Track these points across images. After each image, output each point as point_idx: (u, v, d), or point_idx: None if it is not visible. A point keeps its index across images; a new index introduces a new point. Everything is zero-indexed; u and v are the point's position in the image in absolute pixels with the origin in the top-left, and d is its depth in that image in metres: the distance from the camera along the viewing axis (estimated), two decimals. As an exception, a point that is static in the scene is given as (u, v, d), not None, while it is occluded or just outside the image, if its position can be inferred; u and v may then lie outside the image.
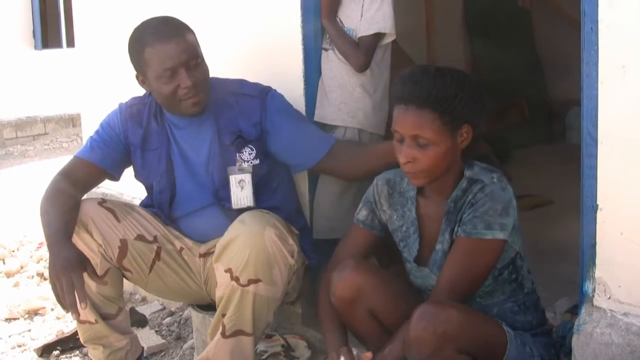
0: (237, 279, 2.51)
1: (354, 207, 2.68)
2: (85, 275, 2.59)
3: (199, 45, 2.76)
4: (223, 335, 2.59)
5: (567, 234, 2.31)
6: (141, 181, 2.97)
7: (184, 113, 2.76)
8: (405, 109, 2.17)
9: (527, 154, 5.58)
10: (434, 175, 2.21)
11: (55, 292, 2.56)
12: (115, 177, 2.97)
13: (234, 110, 2.82)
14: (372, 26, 2.89)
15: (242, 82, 2.90)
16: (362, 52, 2.89)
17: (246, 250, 2.50)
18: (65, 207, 2.70)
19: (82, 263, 2.60)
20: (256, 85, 2.88)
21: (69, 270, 2.53)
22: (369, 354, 2.25)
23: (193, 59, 2.68)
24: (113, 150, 2.90)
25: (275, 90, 2.88)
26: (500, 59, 5.74)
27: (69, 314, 2.67)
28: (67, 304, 2.53)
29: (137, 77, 2.78)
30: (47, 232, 2.65)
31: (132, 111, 2.91)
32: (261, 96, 2.83)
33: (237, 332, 2.59)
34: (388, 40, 2.96)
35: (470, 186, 2.23)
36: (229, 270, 2.52)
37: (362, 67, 2.91)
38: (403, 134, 2.18)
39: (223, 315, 2.58)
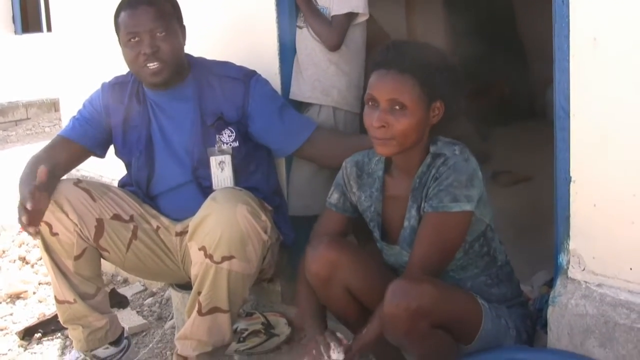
0: (210, 257, 2.51)
1: (327, 185, 2.71)
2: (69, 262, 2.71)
3: (177, 19, 2.80)
4: (199, 313, 2.60)
5: (547, 209, 2.33)
6: (121, 158, 2.99)
7: (146, 82, 2.81)
8: (385, 73, 2.18)
9: (508, 132, 5.59)
10: (404, 144, 2.20)
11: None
12: (98, 154, 3.00)
13: (217, 92, 2.83)
14: (344, 5, 2.90)
15: (227, 65, 2.91)
16: (335, 30, 2.90)
17: (219, 227, 2.50)
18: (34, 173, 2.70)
19: (28, 185, 2.61)
20: (241, 69, 2.89)
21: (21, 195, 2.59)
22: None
23: (158, 28, 2.71)
24: (94, 128, 2.93)
25: (259, 75, 2.89)
26: (481, 39, 5.73)
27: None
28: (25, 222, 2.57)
29: (119, 41, 2.81)
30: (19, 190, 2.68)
31: (114, 89, 2.94)
32: (245, 80, 2.84)
33: (214, 310, 2.59)
34: (361, 19, 2.96)
35: (433, 161, 2.24)
36: (202, 248, 2.53)
37: (334, 45, 2.91)
38: (379, 98, 2.18)
39: (199, 293, 2.59)
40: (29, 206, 2.54)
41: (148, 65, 2.72)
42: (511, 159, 4.86)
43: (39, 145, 2.94)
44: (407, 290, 2.05)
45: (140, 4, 2.71)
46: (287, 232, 2.89)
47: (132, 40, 2.71)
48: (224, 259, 2.51)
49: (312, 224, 2.91)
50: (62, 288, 2.78)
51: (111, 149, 3.01)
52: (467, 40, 5.81)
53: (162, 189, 2.90)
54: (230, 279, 2.54)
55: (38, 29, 11.71)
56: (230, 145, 2.83)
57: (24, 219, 2.59)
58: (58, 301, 2.83)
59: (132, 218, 2.86)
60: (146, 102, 2.89)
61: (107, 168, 3.38)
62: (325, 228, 2.48)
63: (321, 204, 2.77)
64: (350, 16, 2.92)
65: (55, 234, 2.72)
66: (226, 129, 2.83)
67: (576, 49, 2.11)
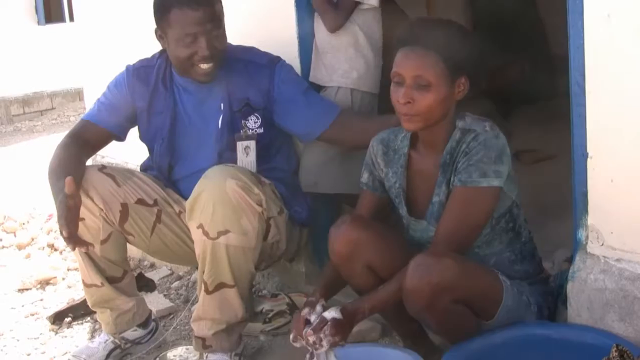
0: (207, 234, 2.56)
1: (336, 163, 2.79)
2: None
3: (224, 16, 2.82)
4: (206, 291, 2.64)
5: (569, 187, 2.35)
6: (144, 142, 3.03)
7: (193, 78, 2.82)
8: (410, 50, 2.21)
9: (530, 110, 5.56)
10: (429, 120, 2.23)
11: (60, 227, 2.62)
12: (121, 137, 3.04)
13: (244, 78, 2.87)
14: None
15: (252, 50, 2.95)
16: (341, 14, 2.93)
17: (210, 203, 2.54)
18: (71, 167, 2.75)
19: (61, 202, 2.61)
20: (266, 55, 2.92)
21: (59, 214, 2.59)
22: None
23: (216, 29, 2.74)
24: (119, 111, 2.96)
25: (284, 61, 2.92)
26: (500, 16, 5.70)
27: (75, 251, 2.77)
28: (64, 231, 2.59)
29: (155, 31, 2.83)
30: (54, 191, 2.70)
31: (139, 73, 2.97)
32: (270, 65, 2.88)
33: (219, 286, 2.63)
34: (369, 5, 2.97)
35: (463, 136, 2.25)
36: (200, 226, 2.57)
37: (335, 28, 2.95)
38: (404, 75, 2.20)
39: (203, 273, 2.63)
40: (65, 234, 2.58)
41: (202, 65, 2.75)
42: (534, 137, 4.85)
43: (64, 135, 2.99)
44: (430, 264, 2.08)
45: (202, 5, 2.70)
46: (299, 209, 2.92)
47: (188, 39, 2.71)
48: (220, 234, 2.55)
49: (332, 203, 2.96)
50: (90, 272, 2.84)
51: (133, 133, 3.05)
52: (487, 19, 5.79)
53: (185, 172, 2.93)
54: (229, 253, 2.58)
55: (60, 19, 11.78)
56: (256, 131, 2.87)
57: (69, 246, 2.68)
58: (86, 285, 2.89)
59: (156, 202, 2.90)
60: (173, 87, 2.93)
61: (132, 154, 3.42)
62: (361, 208, 2.51)
63: (328, 182, 2.86)
64: (357, 1, 2.94)
65: (81, 219, 2.75)
66: (252, 115, 2.87)
67: (590, 26, 2.12)
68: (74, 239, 2.61)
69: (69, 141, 2.90)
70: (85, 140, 2.92)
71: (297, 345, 2.24)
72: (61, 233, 2.60)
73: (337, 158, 2.94)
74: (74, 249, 2.74)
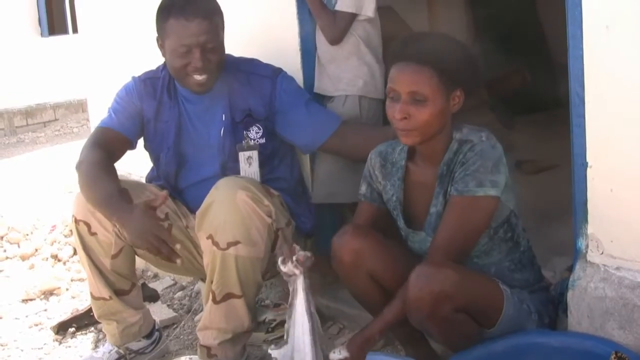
0: (217, 244, 2.58)
1: (350, 173, 2.78)
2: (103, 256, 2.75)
3: (223, 29, 2.83)
4: (214, 301, 2.66)
5: (570, 196, 2.36)
6: (149, 151, 3.05)
7: (189, 88, 2.84)
8: (405, 66, 2.22)
9: (532, 120, 5.57)
10: (426, 134, 2.24)
11: (149, 250, 2.61)
12: (134, 144, 3.04)
13: (246, 89, 2.89)
14: (350, 4, 2.94)
15: (254, 62, 2.97)
16: (338, 26, 2.95)
17: (221, 214, 2.57)
18: (108, 173, 2.76)
19: (151, 215, 2.60)
20: (268, 66, 2.95)
21: (147, 229, 2.57)
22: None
23: (210, 42, 2.74)
24: (132, 118, 2.97)
25: (286, 72, 2.94)
26: (501, 25, 5.72)
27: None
28: (166, 255, 2.59)
29: (157, 40, 2.85)
30: (100, 198, 2.68)
31: (145, 84, 2.99)
32: (273, 77, 2.90)
33: (227, 296, 2.65)
34: (365, 16, 2.99)
35: (460, 147, 2.27)
36: (210, 237, 2.59)
37: (335, 40, 2.98)
38: (400, 90, 2.22)
39: (212, 282, 2.65)
40: (165, 251, 2.58)
41: (195, 76, 2.76)
42: (535, 147, 4.86)
43: (67, 146, 3.01)
44: (431, 274, 2.10)
45: (197, 16, 2.71)
46: (305, 220, 2.96)
47: (182, 50, 2.73)
48: (230, 244, 2.57)
49: (338, 212, 2.97)
50: (99, 285, 2.86)
51: (136, 153, 3.06)
52: (489, 29, 5.81)
53: (189, 181, 2.96)
54: (238, 264, 2.60)
55: (64, 31, 11.84)
56: (257, 141, 2.89)
57: (170, 258, 2.64)
58: (94, 297, 2.91)
59: (167, 216, 2.90)
60: (177, 97, 2.95)
61: (135, 165, 3.44)
62: (360, 218, 2.53)
63: (344, 192, 2.84)
64: (355, 14, 2.96)
65: (93, 234, 2.79)
66: (254, 126, 2.89)
67: (589, 37, 2.13)
68: (173, 253, 2.62)
69: (96, 147, 2.86)
70: (105, 145, 2.89)
71: (284, 269, 2.33)
72: (158, 249, 2.58)
73: (350, 167, 2.93)
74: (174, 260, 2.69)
